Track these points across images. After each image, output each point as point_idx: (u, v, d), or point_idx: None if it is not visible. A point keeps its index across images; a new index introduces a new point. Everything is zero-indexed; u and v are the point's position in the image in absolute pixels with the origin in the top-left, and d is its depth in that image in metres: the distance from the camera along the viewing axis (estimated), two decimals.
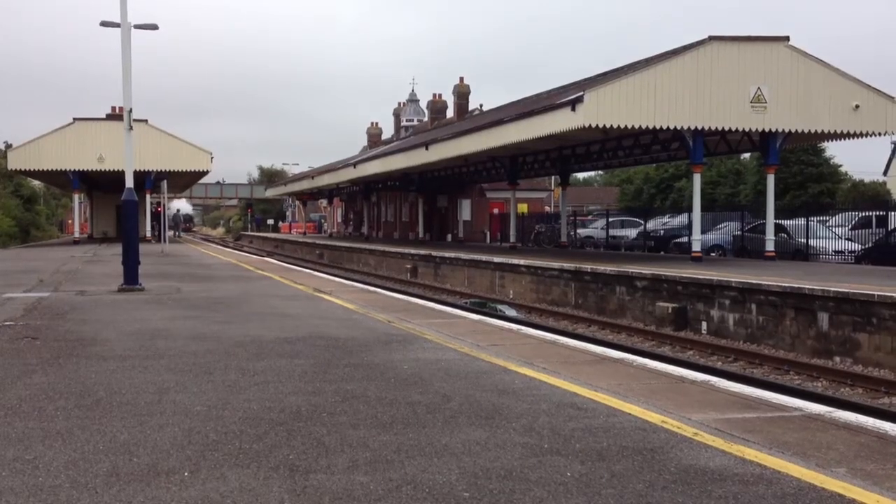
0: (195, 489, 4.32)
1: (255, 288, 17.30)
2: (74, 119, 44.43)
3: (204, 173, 49.13)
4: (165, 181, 39.43)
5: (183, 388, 6.82)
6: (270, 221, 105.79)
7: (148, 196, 45.70)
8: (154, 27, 23.32)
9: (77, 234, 49.65)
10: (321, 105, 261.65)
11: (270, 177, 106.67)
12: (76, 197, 49.53)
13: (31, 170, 45.82)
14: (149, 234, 46.30)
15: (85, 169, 43.37)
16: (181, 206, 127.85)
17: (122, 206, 16.97)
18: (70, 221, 72.60)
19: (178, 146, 44.84)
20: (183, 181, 56.69)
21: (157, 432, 5.44)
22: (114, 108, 45.85)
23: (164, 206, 40.75)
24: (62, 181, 51.55)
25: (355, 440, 5.26)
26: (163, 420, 5.76)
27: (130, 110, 17.18)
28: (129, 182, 16.81)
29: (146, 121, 42.97)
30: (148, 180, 43.81)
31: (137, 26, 21.45)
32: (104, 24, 21.58)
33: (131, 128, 17.36)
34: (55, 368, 7.73)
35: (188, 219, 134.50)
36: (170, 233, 42.75)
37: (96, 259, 28.82)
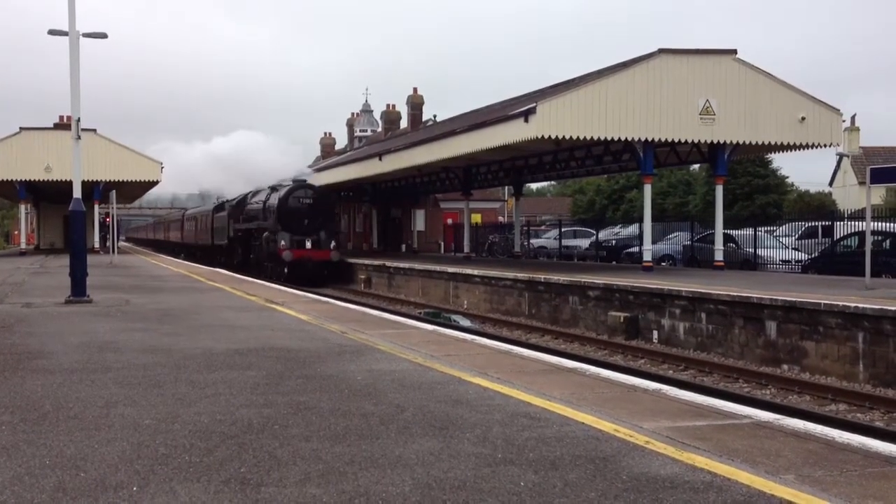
0: None
1: (205, 299, 17.11)
2: (21, 128, 43.55)
3: (154, 183, 48.44)
4: (114, 191, 38.85)
5: (132, 402, 6.72)
6: None
7: (96, 206, 44.92)
8: (103, 36, 22.93)
9: (24, 246, 48.72)
10: (273, 121, 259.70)
11: None
12: (22, 207, 48.60)
13: None
14: (97, 244, 45.55)
15: (32, 179, 42.57)
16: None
17: (69, 217, 16.71)
18: (16, 232, 71.17)
19: (127, 156, 44.15)
20: (133, 191, 55.89)
21: (105, 446, 5.34)
22: (62, 118, 45.04)
23: (112, 216, 40.04)
24: (8, 191, 50.53)
25: (308, 452, 5.22)
26: (111, 434, 5.67)
27: (79, 119, 16.93)
28: (77, 192, 16.57)
29: (95, 130, 42.27)
30: (96, 190, 43.11)
31: (86, 35, 21.15)
32: (52, 32, 21.19)
33: (79, 137, 17.10)
34: (0, 382, 7.56)
35: None
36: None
37: (43, 270, 28.29)
